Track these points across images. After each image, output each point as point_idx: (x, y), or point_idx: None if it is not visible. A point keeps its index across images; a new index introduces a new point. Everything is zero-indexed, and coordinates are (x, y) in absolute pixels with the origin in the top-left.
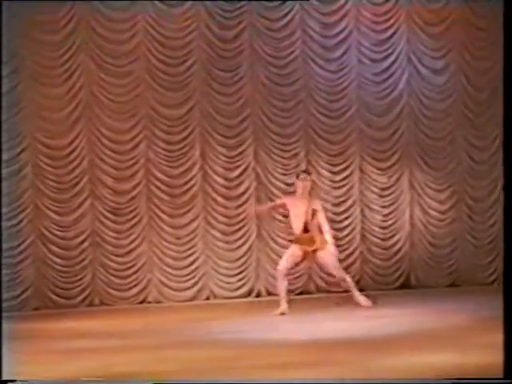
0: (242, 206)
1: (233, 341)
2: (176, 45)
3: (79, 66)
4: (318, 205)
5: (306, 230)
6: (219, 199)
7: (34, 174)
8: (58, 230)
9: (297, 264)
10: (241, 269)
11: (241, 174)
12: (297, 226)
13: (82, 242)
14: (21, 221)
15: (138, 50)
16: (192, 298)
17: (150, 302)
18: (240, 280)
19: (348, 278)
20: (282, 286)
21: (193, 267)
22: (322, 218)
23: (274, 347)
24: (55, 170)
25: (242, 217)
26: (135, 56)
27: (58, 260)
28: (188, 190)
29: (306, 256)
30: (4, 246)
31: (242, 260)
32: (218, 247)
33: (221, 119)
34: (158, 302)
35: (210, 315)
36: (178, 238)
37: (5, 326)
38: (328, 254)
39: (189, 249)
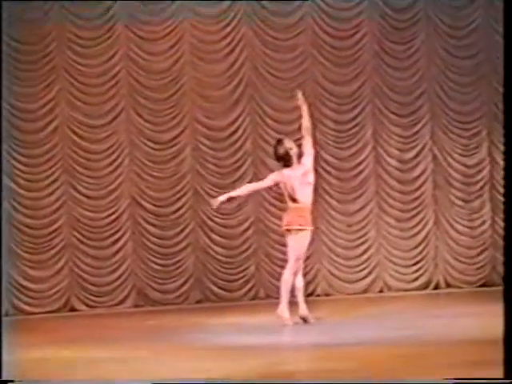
0: (418, 189)
1: (410, 338)
2: (345, 16)
3: (241, 40)
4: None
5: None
6: (393, 183)
7: (193, 157)
8: (219, 218)
9: None
10: (417, 258)
11: (416, 156)
12: (307, 195)
13: (246, 230)
14: (180, 207)
15: (304, 22)
16: (364, 291)
17: (318, 295)
18: (416, 271)
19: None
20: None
21: (365, 257)
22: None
23: (454, 345)
24: (216, 153)
25: (418, 202)
26: (301, 29)
27: (219, 249)
28: (359, 173)
29: None
30: (164, 233)
31: (419, 249)
32: (392, 235)
33: (394, 96)
34: (328, 294)
35: (384, 309)
36: (349, 226)
37: (167, 319)
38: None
39: (360, 237)
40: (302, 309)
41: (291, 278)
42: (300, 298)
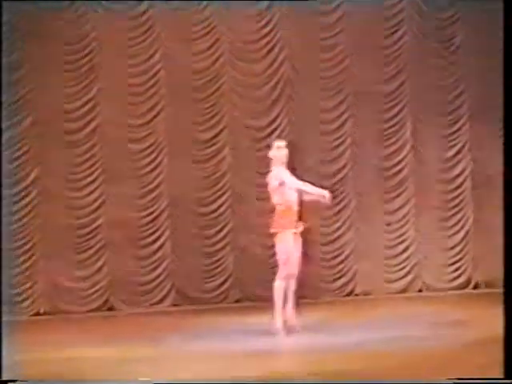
0: (458, 188)
1: (449, 337)
2: (384, 15)
3: (280, 40)
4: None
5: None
6: (432, 182)
7: (232, 157)
8: (258, 217)
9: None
10: (457, 258)
11: (456, 155)
12: (294, 199)
13: None
14: (220, 206)
15: (342, 21)
16: (403, 290)
17: (357, 295)
18: (456, 270)
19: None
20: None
21: (404, 256)
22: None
23: (491, 344)
24: (255, 153)
25: (457, 201)
26: (339, 28)
27: (257, 249)
28: (398, 172)
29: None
30: (203, 232)
31: (458, 248)
32: (432, 234)
33: (434, 95)
34: (367, 294)
35: (424, 309)
36: (388, 225)
37: (206, 318)
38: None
39: (399, 236)
40: (289, 316)
41: (282, 283)
42: (288, 304)
